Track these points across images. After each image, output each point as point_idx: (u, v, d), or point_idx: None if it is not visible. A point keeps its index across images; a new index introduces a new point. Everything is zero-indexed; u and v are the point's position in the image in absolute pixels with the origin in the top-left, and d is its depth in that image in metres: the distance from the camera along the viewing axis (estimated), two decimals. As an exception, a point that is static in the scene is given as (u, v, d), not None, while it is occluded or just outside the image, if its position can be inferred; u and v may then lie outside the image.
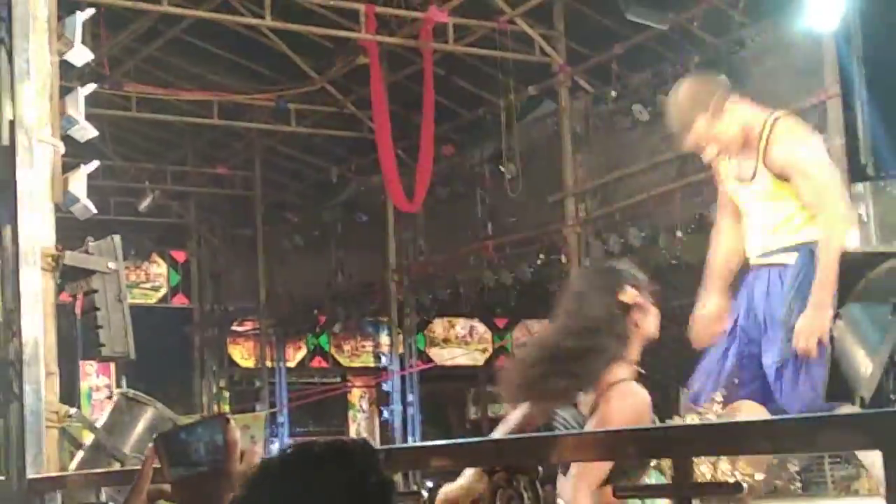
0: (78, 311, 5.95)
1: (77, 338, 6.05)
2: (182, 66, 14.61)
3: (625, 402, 3.49)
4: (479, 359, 18.90)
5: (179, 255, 18.91)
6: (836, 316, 2.86)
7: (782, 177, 3.99)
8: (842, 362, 2.80)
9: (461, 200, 14.41)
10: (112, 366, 16.56)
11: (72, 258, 5.78)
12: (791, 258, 4.17)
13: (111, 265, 5.98)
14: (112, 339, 5.89)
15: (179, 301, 18.88)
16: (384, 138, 12.80)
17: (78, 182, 5.94)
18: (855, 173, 2.50)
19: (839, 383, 2.80)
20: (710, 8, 11.69)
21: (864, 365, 2.62)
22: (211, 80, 14.78)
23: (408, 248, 15.58)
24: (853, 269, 2.92)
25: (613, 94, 12.34)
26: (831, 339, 2.86)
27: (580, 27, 12.84)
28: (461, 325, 18.62)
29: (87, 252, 5.91)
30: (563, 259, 12.82)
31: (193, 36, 13.68)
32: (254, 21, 12.35)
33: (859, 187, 9.85)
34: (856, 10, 2.47)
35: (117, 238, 6.15)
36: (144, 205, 16.99)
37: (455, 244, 14.63)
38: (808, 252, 4.14)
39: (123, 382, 16.79)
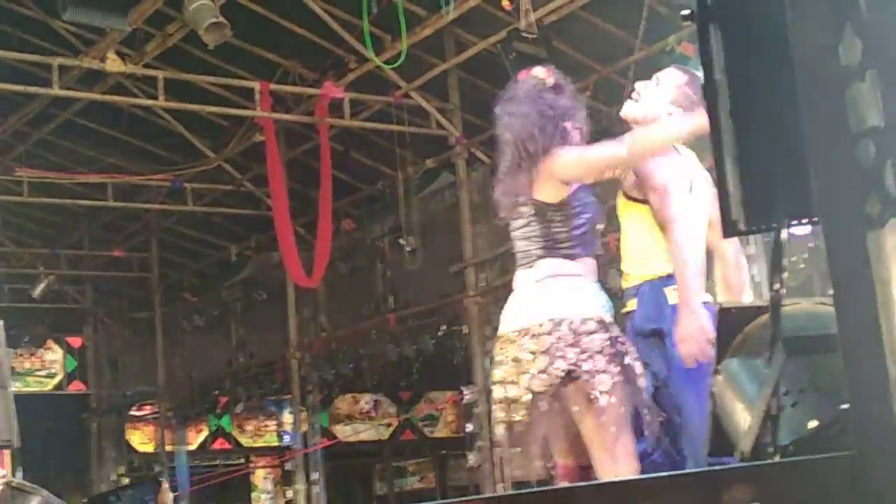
0: (-40, 398, 5.76)
1: (-41, 426, 5.85)
2: (75, 149, 14.43)
3: None
4: (385, 433, 18.77)
5: (76, 341, 18.56)
6: (716, 371, 2.88)
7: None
8: (722, 417, 2.81)
9: (362, 275, 14.37)
10: (7, 456, 16.12)
11: (-48, 344, 5.59)
12: None
13: (-5, 351, 5.80)
14: (-4, 427, 5.71)
15: (76, 387, 18.49)
16: (282, 215, 12.74)
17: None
18: (728, 229, 2.51)
19: (721, 439, 2.81)
20: (601, 77, 11.90)
21: (744, 419, 2.63)
22: (106, 161, 14.63)
23: (309, 324, 15.46)
24: (730, 324, 2.95)
25: (509, 164, 12.42)
26: (712, 395, 2.87)
27: (475, 99, 12.95)
28: (365, 401, 18.50)
29: (-32, 338, 5.73)
30: (465, 329, 12.82)
31: (86, 118, 13.54)
32: (147, 102, 12.26)
33: (751, 249, 10.05)
34: (722, 66, 2.49)
35: (0, 324, 5.98)
36: (38, 290, 16.68)
37: (357, 319, 14.57)
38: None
39: (19, 473, 16.42)
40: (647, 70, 11.67)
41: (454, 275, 13.10)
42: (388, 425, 18.86)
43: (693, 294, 4.09)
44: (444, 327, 13.30)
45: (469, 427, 12.98)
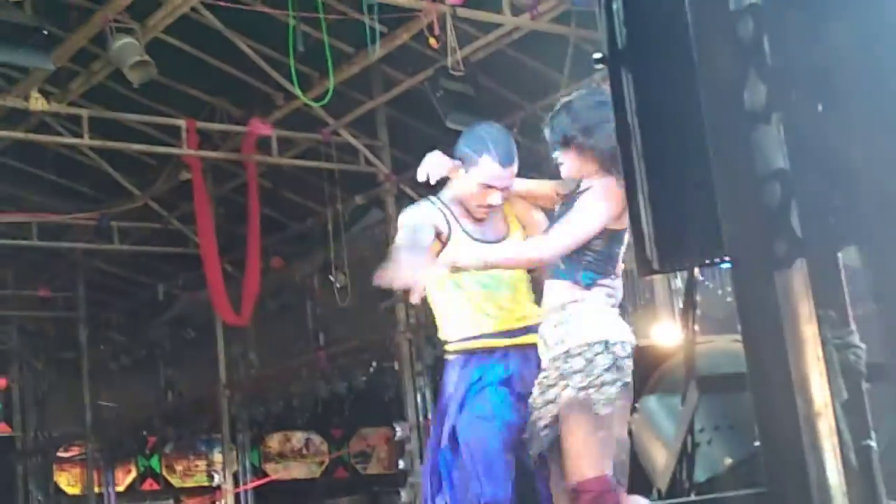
0: None
1: None
2: (-1, 188, 14.24)
3: None
4: (316, 471, 18.64)
5: (0, 382, 18.25)
6: (633, 409, 2.90)
7: None
8: (640, 455, 2.83)
9: (291, 312, 14.31)
10: (-70, 501, 15.82)
11: None
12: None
13: (-88, 395, 5.70)
14: (-87, 474, 5.59)
15: (1, 429, 18.17)
16: (210, 253, 12.66)
17: None
18: (642, 268, 2.54)
19: (639, 476, 2.82)
20: (528, 114, 11.99)
21: (660, 457, 2.65)
22: (30, 200, 14.43)
23: (239, 362, 15.32)
24: (649, 362, 2.97)
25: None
26: (630, 432, 2.89)
27: (403, 136, 13.00)
28: (297, 439, 18.36)
29: None
30: (396, 366, 12.80)
31: (11, 157, 13.35)
32: (73, 140, 12.14)
33: (678, 282, 10.17)
34: (634, 108, 2.53)
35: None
36: (-38, 331, 16.42)
37: (287, 356, 14.49)
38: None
39: (-57, 518, 16.06)
40: (572, 106, 11.82)
41: (385, 311, 13.09)
42: (321, 463, 18.73)
43: None
44: (374, 364, 13.27)
45: (401, 464, 12.93)
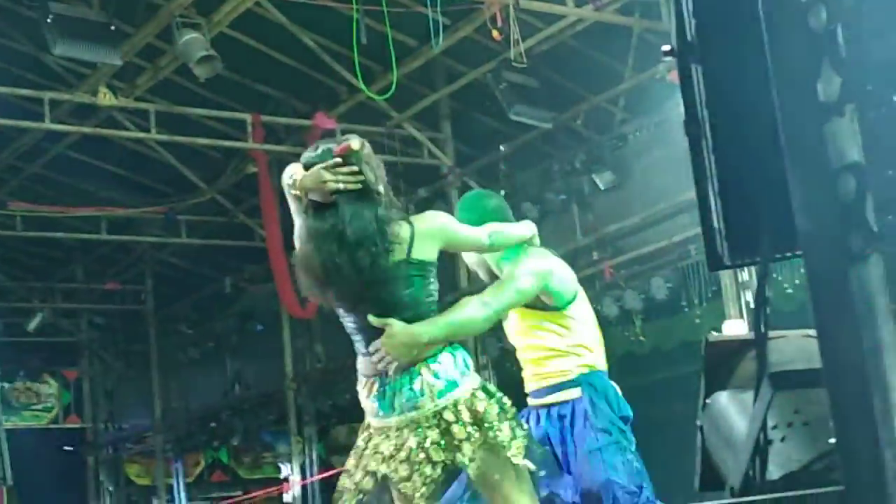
0: (-49, 438, 5.74)
1: (-49, 466, 5.83)
2: (68, 183, 14.42)
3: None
4: (383, 464, 18.67)
5: (71, 374, 18.53)
6: (704, 405, 2.87)
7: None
8: (711, 452, 2.80)
9: (357, 305, 14.35)
10: (4, 491, 16.07)
11: (-57, 383, 5.58)
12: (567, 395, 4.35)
13: (-14, 389, 5.79)
14: (-12, 466, 5.68)
15: (72, 421, 18.45)
16: (275, 246, 12.73)
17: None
18: (712, 263, 2.51)
19: (711, 473, 2.80)
20: (591, 106, 11.93)
21: (732, 454, 2.62)
22: (99, 195, 14.62)
23: (305, 355, 15.42)
24: (719, 357, 2.94)
25: (502, 192, 12.40)
26: (700, 428, 2.86)
27: (466, 129, 13.00)
28: (362, 431, 18.44)
29: (-40, 376, 5.72)
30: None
31: (79, 152, 13.53)
32: (140, 135, 12.27)
33: (745, 275, 10.07)
34: (704, 101, 2.50)
35: (-9, 360, 5.96)
36: (33, 324, 16.68)
37: (352, 349, 14.51)
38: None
39: (16, 509, 16.35)
40: (637, 98, 11.87)
41: (450, 304, 13.07)
42: (386, 455, 18.78)
43: None
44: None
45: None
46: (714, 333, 4.25)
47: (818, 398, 2.37)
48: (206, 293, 16.82)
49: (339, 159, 3.87)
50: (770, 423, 2.50)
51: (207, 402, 16.86)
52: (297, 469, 15.38)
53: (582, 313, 4.51)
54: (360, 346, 3.94)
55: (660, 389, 10.83)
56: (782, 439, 2.52)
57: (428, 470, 3.74)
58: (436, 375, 3.82)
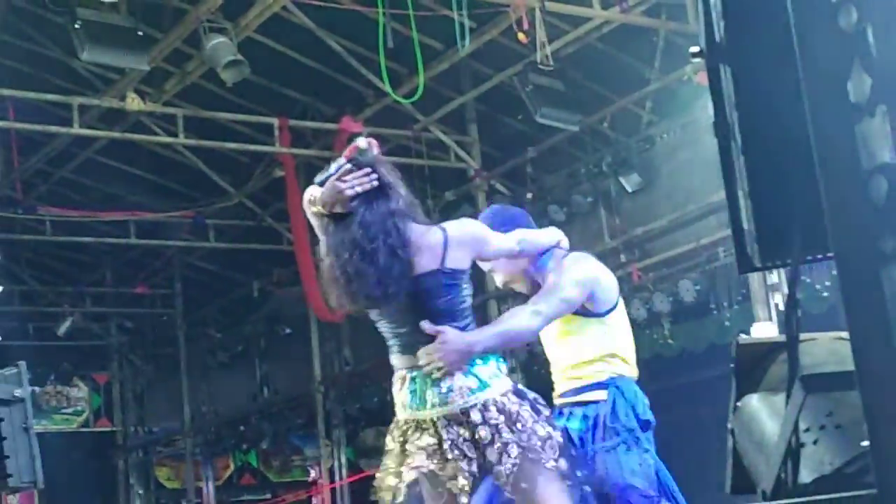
0: (-17, 441, 5.78)
1: (-17, 469, 5.87)
2: (97, 187, 14.52)
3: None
4: (411, 467, 18.67)
5: (101, 378, 18.63)
6: (735, 408, 2.85)
7: None
8: (743, 455, 2.78)
9: (384, 308, 14.35)
10: (35, 495, 16.20)
11: (-25, 388, 5.62)
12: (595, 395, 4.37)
13: (17, 393, 5.82)
14: (19, 469, 5.72)
15: (102, 424, 18.55)
16: (303, 249, 12.77)
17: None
18: (742, 265, 2.49)
19: (742, 477, 2.78)
20: (618, 108, 11.91)
21: (764, 457, 2.60)
22: (127, 199, 14.70)
23: (333, 358, 15.45)
24: (750, 360, 2.92)
25: (529, 196, 12.43)
26: (731, 431, 2.85)
27: (493, 132, 13.00)
28: (391, 434, 18.46)
29: (-9, 380, 5.76)
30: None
31: (107, 156, 13.61)
32: (168, 139, 12.33)
33: (774, 277, 10.01)
34: (733, 102, 2.49)
35: (23, 365, 6.01)
36: (63, 328, 16.78)
37: (381, 352, 14.47)
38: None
39: (47, 512, 16.43)
40: (664, 100, 11.83)
41: (477, 307, 13.06)
42: (414, 458, 18.78)
43: None
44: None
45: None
46: (743, 336, 4.22)
47: (850, 401, 2.35)
48: (234, 297, 16.88)
49: (349, 166, 3.84)
50: (802, 427, 2.48)
51: (236, 405, 16.92)
52: (325, 472, 15.40)
53: (620, 322, 4.51)
54: (395, 349, 3.97)
55: (688, 392, 10.80)
56: (814, 442, 2.51)
57: (464, 465, 3.76)
58: (468, 375, 3.83)
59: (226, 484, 18.49)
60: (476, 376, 3.84)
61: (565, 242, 4.42)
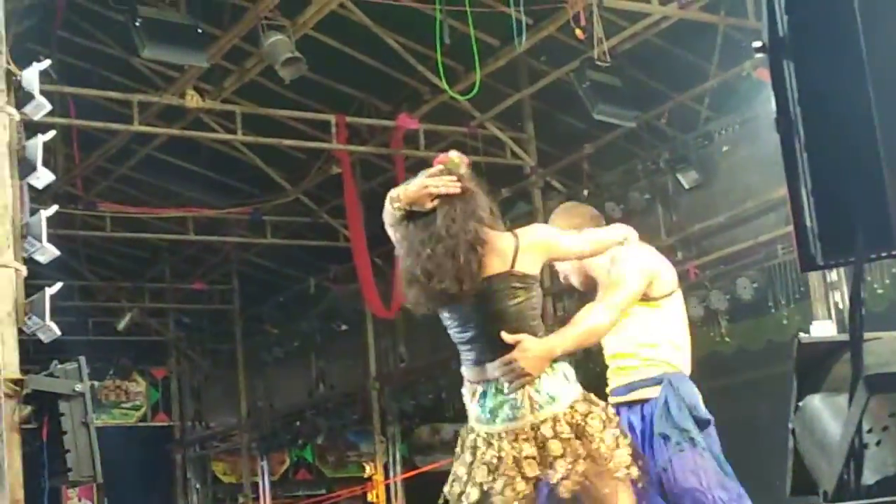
0: (44, 435, 5.84)
1: (44, 463, 5.94)
2: (156, 184, 14.64)
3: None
4: (466, 464, 18.67)
5: (159, 373, 18.81)
6: (796, 409, 2.82)
7: None
8: (804, 456, 2.75)
9: (440, 305, 14.36)
10: (94, 488, 16.39)
11: (36, 382, 5.69)
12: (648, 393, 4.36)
13: (77, 387, 5.89)
14: (79, 463, 5.79)
15: (160, 419, 18.73)
16: (359, 246, 12.81)
17: (40, 304, 5.87)
18: (805, 263, 2.46)
19: (803, 477, 2.75)
20: (676, 104, 11.83)
21: (826, 458, 2.57)
22: (185, 196, 14.82)
23: (388, 355, 15.49)
24: (812, 359, 2.88)
25: (586, 193, 12.38)
26: (792, 431, 2.81)
27: (549, 129, 12.95)
28: (445, 431, 18.45)
29: (52, 375, 5.82)
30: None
31: (166, 153, 13.73)
32: (226, 136, 12.41)
33: (833, 275, 9.90)
34: (796, 98, 2.45)
35: (82, 360, 6.07)
36: (123, 324, 16.95)
37: (436, 349, 14.53)
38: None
39: (105, 504, 16.62)
40: (722, 96, 11.72)
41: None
42: (469, 455, 18.77)
43: None
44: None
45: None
46: (803, 335, 4.17)
47: (915, 402, 2.31)
48: (290, 293, 16.96)
49: (440, 166, 4.01)
50: (865, 427, 2.44)
51: (292, 401, 17.00)
52: (380, 468, 15.45)
53: (676, 311, 4.52)
54: (468, 356, 4.00)
55: (745, 390, 10.70)
56: (878, 443, 2.47)
57: (521, 486, 3.79)
58: (537, 390, 3.86)
59: (281, 479, 18.60)
60: (546, 391, 3.86)
61: (633, 237, 4.40)
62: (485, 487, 3.85)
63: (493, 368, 3.87)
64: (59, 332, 6.11)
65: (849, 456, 2.37)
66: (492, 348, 3.90)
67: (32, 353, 9.19)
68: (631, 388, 4.47)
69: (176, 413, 18.76)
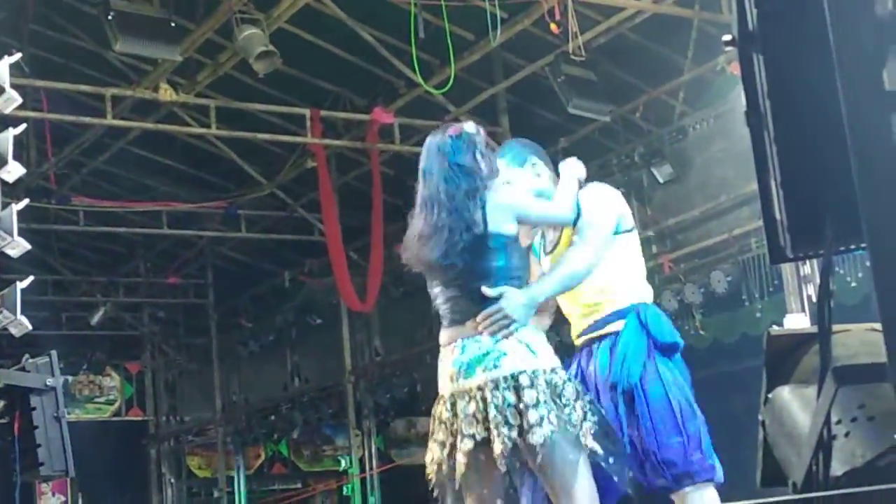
0: (16, 430, 5.81)
1: (15, 458, 5.90)
2: (130, 178, 14.59)
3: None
4: (441, 457, 18.68)
5: (133, 367, 18.74)
6: (766, 400, 2.83)
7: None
8: (774, 447, 2.76)
9: (415, 298, 14.33)
10: (68, 483, 16.33)
11: (7, 376, 5.66)
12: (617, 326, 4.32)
13: (49, 382, 5.86)
14: (51, 458, 5.76)
15: (134, 414, 18.66)
16: (334, 240, 12.79)
17: (11, 299, 5.84)
18: (774, 255, 2.47)
19: (773, 468, 2.76)
20: (651, 98, 11.85)
21: (795, 449, 2.58)
22: (160, 190, 14.77)
23: (363, 349, 15.48)
24: (782, 351, 2.89)
25: (561, 186, 12.38)
26: (762, 423, 2.82)
27: (524, 123, 12.94)
28: (421, 424, 18.46)
29: (23, 369, 5.79)
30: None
31: (140, 147, 13.68)
32: (200, 130, 12.36)
33: (807, 268, 9.95)
34: (765, 91, 2.46)
35: (54, 354, 6.04)
36: (96, 318, 16.88)
37: (411, 343, 14.56)
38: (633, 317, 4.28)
39: (80, 500, 16.56)
40: (697, 90, 11.76)
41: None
42: (445, 448, 18.77)
43: None
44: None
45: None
46: (776, 327, 4.18)
47: (883, 393, 2.33)
48: (265, 287, 16.93)
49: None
50: (834, 419, 2.45)
51: (267, 395, 16.97)
52: (356, 462, 15.44)
53: (635, 247, 4.54)
54: (446, 321, 4.09)
55: (719, 384, 10.73)
56: (846, 435, 2.48)
57: (505, 430, 3.82)
58: (519, 341, 3.93)
59: (257, 473, 18.56)
60: (527, 345, 3.93)
61: (582, 171, 4.47)
62: (478, 438, 3.88)
63: (476, 323, 3.95)
64: (30, 327, 6.07)
65: (817, 447, 2.39)
66: (474, 305, 3.98)
67: (6, 347, 9.16)
68: (598, 324, 4.41)
69: (150, 407, 18.69)
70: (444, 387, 4.06)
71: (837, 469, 2.44)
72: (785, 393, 2.75)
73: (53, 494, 17.24)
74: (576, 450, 3.81)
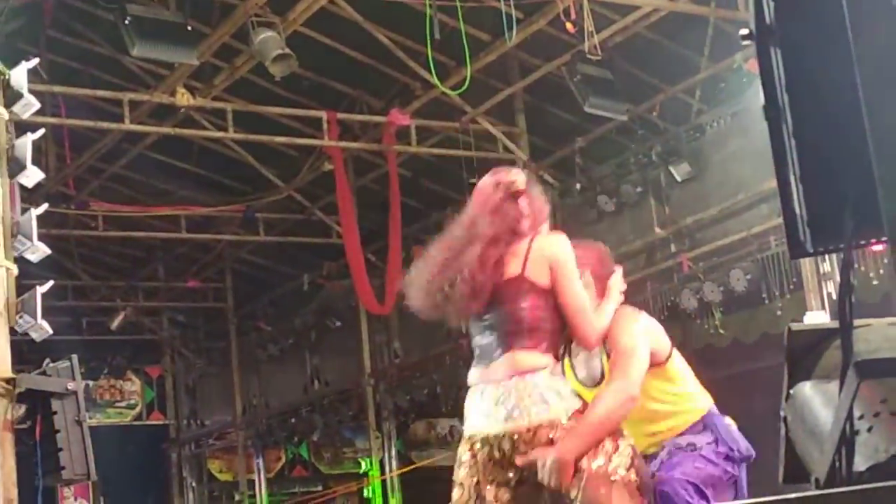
0: (37, 434, 5.83)
1: (37, 462, 5.92)
2: (148, 183, 14.63)
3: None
4: (462, 459, 18.67)
5: (154, 372, 18.81)
6: (787, 396, 2.81)
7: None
8: (796, 443, 2.74)
9: (433, 300, 14.36)
10: (90, 487, 16.39)
11: (29, 381, 5.68)
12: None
13: (70, 386, 5.88)
14: (72, 462, 5.78)
15: (155, 418, 18.73)
16: (352, 243, 12.80)
17: (32, 303, 5.86)
18: (794, 250, 2.45)
19: (795, 465, 2.74)
20: (668, 97, 11.83)
21: (817, 445, 2.57)
22: (178, 194, 14.81)
23: (382, 351, 15.49)
24: (803, 347, 2.88)
25: (578, 186, 12.39)
26: (784, 419, 2.81)
27: (541, 123, 12.95)
28: (441, 426, 18.47)
29: (44, 374, 5.81)
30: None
31: (158, 152, 13.72)
32: (217, 134, 12.39)
33: (826, 266, 9.91)
34: (784, 85, 2.44)
35: (75, 358, 6.06)
36: (116, 323, 16.94)
37: (430, 345, 14.56)
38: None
39: (102, 503, 16.60)
40: (714, 88, 11.72)
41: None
42: (465, 450, 18.75)
43: None
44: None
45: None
46: (796, 323, 4.14)
47: (906, 387, 2.31)
48: (284, 290, 16.96)
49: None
50: (856, 414, 2.43)
51: (287, 398, 17.00)
52: (376, 464, 15.45)
53: (683, 364, 4.36)
54: (475, 360, 3.99)
55: (739, 383, 10.69)
56: (869, 430, 2.46)
57: (526, 488, 3.79)
58: (538, 396, 3.82)
59: (277, 476, 18.59)
60: (543, 398, 3.83)
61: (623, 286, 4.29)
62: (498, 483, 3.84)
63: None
64: (50, 331, 6.09)
65: (840, 443, 2.37)
66: (499, 351, 3.87)
67: (27, 352, 9.21)
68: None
69: (171, 411, 18.76)
70: (471, 426, 3.97)
71: (860, 464, 2.42)
72: (807, 389, 2.73)
73: (76, 499, 17.30)
74: (607, 484, 3.76)
